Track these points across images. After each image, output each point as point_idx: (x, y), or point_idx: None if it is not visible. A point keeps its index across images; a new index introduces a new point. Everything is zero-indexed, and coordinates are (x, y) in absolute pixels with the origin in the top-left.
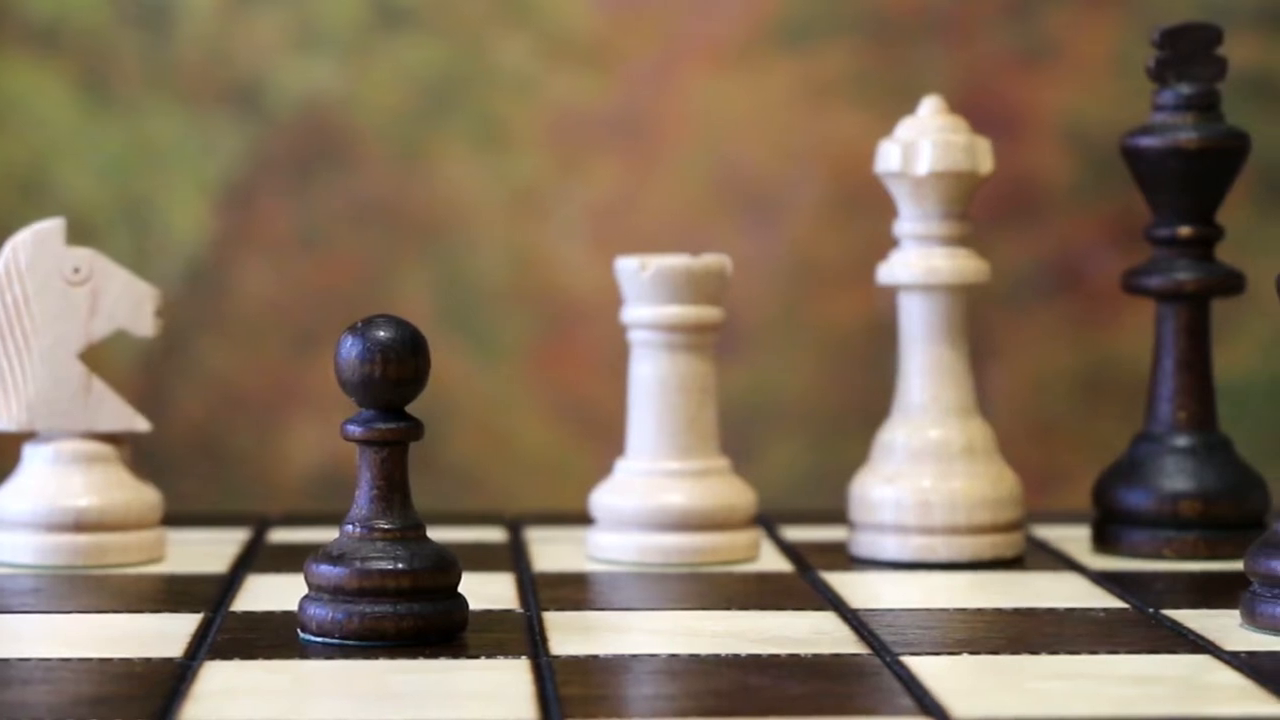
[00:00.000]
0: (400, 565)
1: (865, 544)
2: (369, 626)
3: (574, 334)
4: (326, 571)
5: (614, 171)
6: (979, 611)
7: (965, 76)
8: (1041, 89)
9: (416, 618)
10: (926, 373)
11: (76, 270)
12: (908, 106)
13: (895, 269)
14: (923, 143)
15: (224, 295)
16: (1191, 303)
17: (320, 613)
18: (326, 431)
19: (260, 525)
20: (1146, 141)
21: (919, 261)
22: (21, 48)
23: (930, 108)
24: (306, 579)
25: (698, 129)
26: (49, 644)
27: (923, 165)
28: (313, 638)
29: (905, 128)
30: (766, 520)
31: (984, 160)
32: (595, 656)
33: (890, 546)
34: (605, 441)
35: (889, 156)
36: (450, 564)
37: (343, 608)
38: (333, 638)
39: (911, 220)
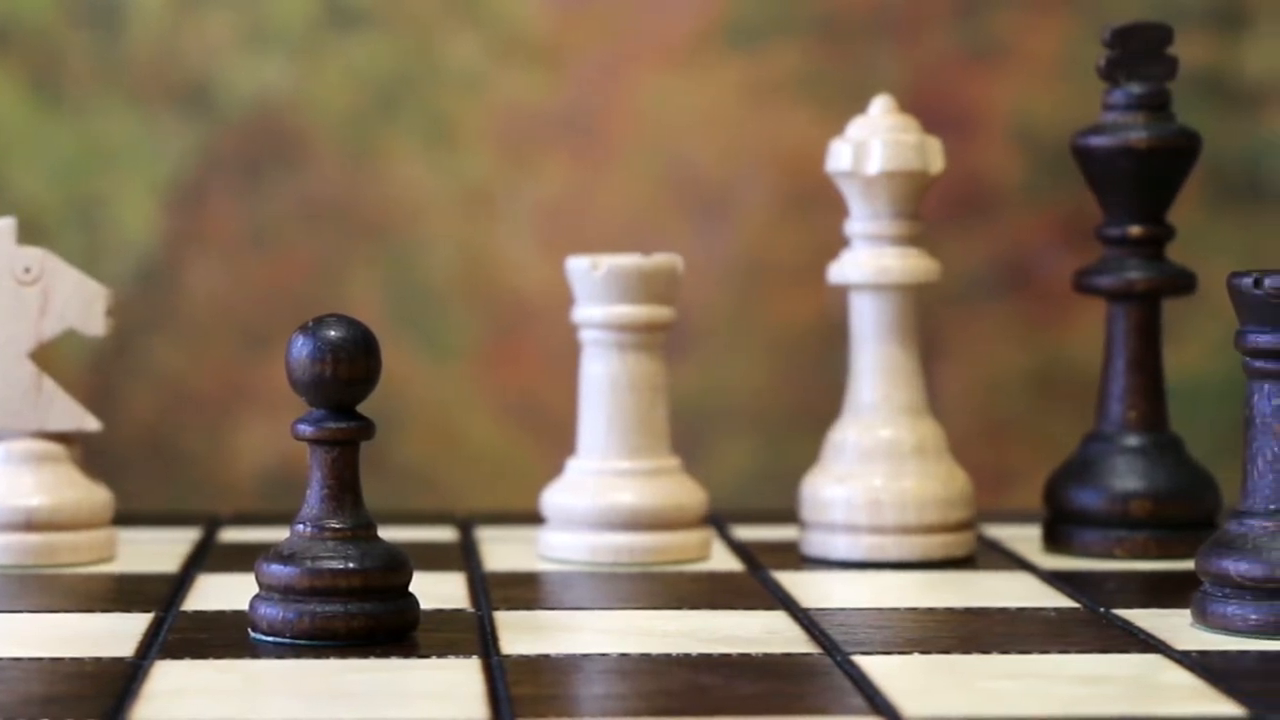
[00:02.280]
0: (351, 565)
1: (816, 543)
2: (320, 626)
3: (525, 333)
4: (277, 571)
5: (565, 170)
6: (930, 611)
7: (915, 76)
8: (992, 88)
9: (368, 617)
10: (877, 372)
11: (27, 270)
12: (858, 106)
13: (846, 268)
14: (873, 142)
15: (174, 295)
16: (1142, 302)
17: (271, 612)
18: (277, 431)
19: (211, 525)
20: (1097, 141)
21: (870, 261)
22: None
23: (881, 107)
24: (257, 578)
25: (648, 128)
26: None
27: (873, 165)
28: (264, 637)
29: (856, 127)
30: (718, 520)
31: (935, 159)
32: (546, 656)
33: (841, 546)
34: (556, 441)
35: (840, 156)
36: (401, 563)
37: (294, 607)
38: (283, 637)
39: (862, 219)
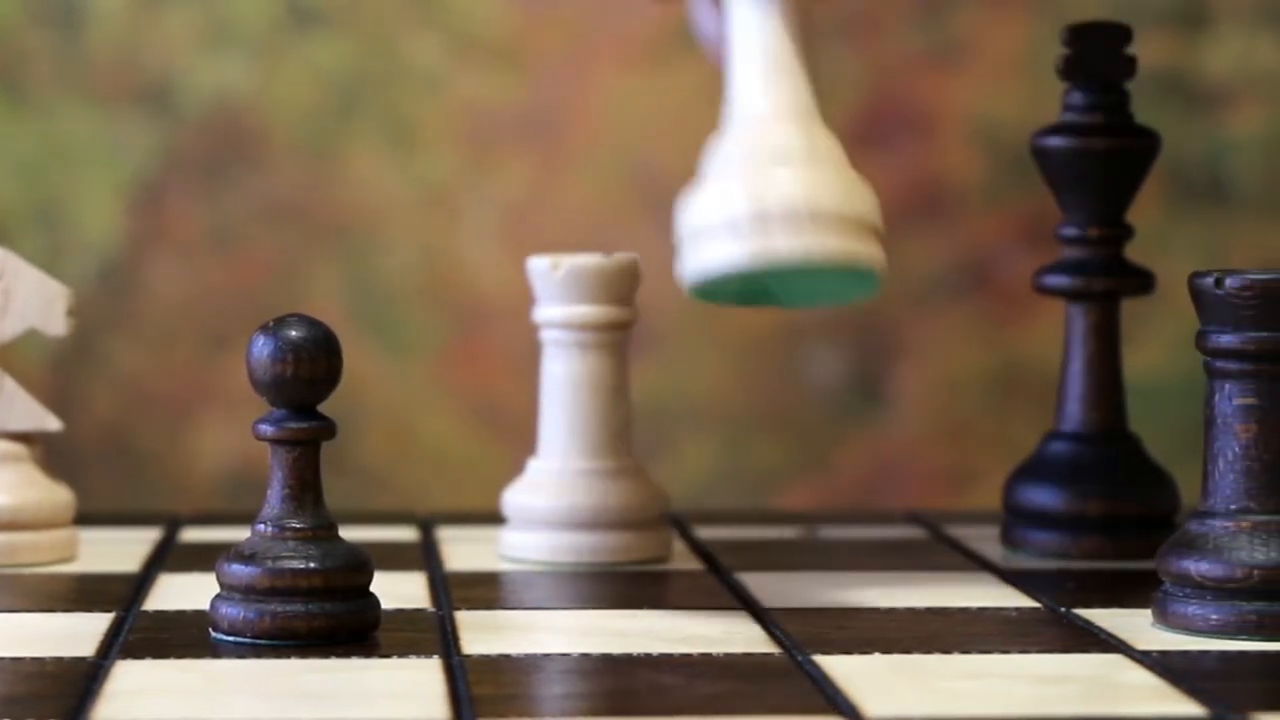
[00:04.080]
0: (312, 565)
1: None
2: (281, 625)
3: (485, 333)
4: (238, 571)
5: (525, 171)
6: (890, 611)
7: (875, 76)
8: (951, 88)
9: (329, 617)
10: None
11: None
12: (819, 106)
13: None
14: None
15: (135, 294)
16: (1101, 303)
17: (232, 612)
18: (238, 431)
19: (172, 525)
20: (1055, 141)
21: None
22: None
23: None
24: (218, 578)
25: (609, 128)
26: None
27: None
28: (224, 637)
29: None
30: (679, 519)
31: None
32: (507, 656)
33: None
34: (517, 441)
35: None
36: (363, 563)
37: (255, 607)
38: (244, 637)
39: None
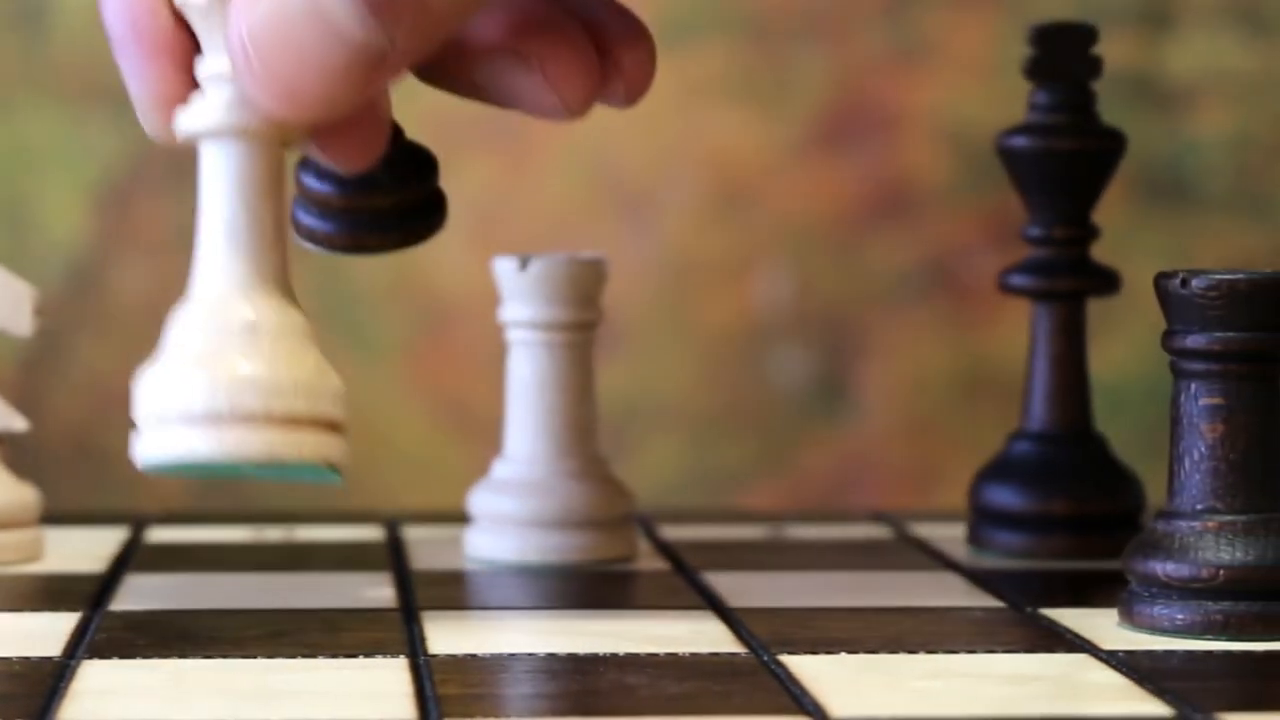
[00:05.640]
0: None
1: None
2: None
3: (451, 333)
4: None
5: (492, 170)
6: (856, 611)
7: (842, 76)
8: (918, 88)
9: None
10: None
11: None
12: (785, 106)
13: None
14: None
15: (102, 295)
16: (1066, 302)
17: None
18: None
19: (138, 524)
20: (1021, 141)
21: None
22: None
23: None
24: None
25: (575, 128)
26: None
27: None
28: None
29: None
30: (644, 519)
31: None
32: (473, 655)
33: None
34: (483, 440)
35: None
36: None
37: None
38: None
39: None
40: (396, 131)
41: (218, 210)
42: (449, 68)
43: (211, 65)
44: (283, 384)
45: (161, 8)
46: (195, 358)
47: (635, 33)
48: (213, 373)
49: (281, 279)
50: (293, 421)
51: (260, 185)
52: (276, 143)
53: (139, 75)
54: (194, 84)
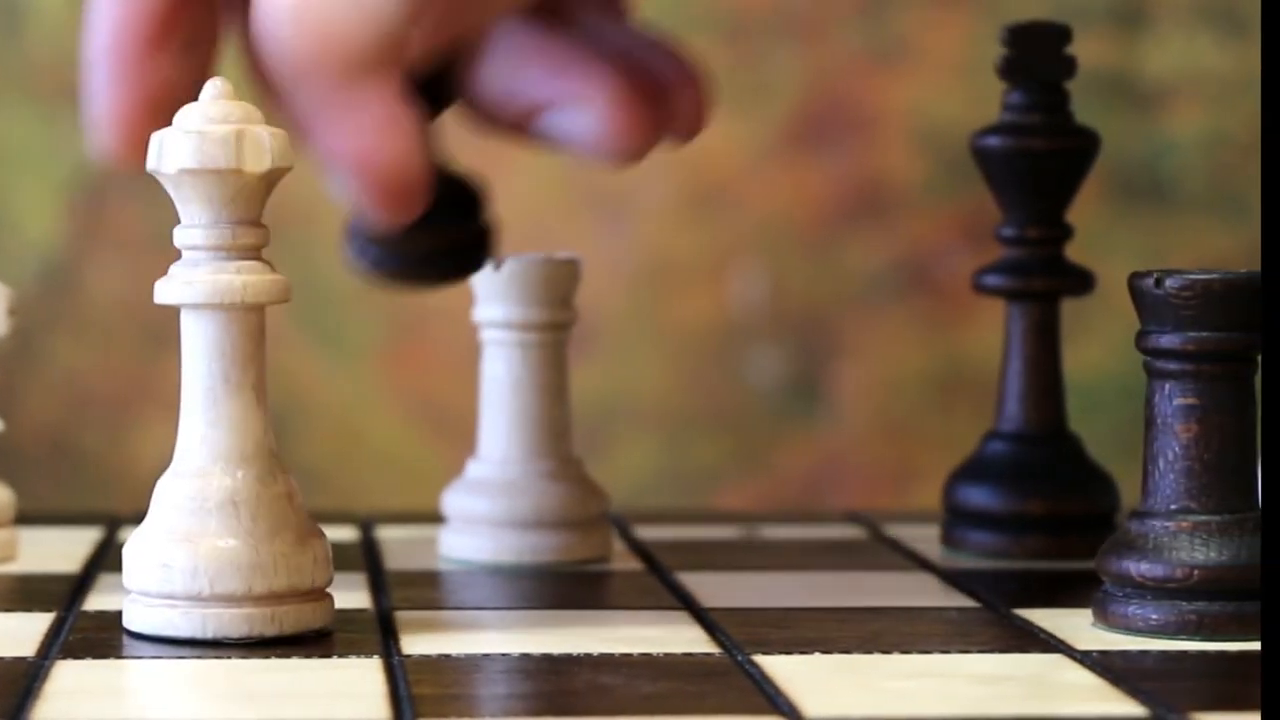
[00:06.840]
0: None
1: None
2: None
3: (425, 333)
4: None
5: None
6: (831, 611)
7: (817, 76)
8: (893, 88)
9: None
10: None
11: None
12: (760, 106)
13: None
14: (175, 135)
15: (76, 294)
16: (1040, 302)
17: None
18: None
19: (112, 524)
20: (995, 141)
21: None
22: None
23: (210, 92)
24: None
25: None
26: None
27: (173, 161)
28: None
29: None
30: (619, 520)
31: (255, 157)
32: (447, 656)
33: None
34: (457, 441)
35: (152, 151)
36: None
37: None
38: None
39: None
40: (443, 172)
41: (198, 379)
42: (508, 118)
43: (188, 236)
44: (263, 561)
45: (160, 26)
46: (178, 535)
47: (686, 75)
48: (195, 549)
49: (263, 446)
50: (274, 598)
51: (239, 354)
52: (255, 310)
53: (111, 88)
54: (160, 122)
